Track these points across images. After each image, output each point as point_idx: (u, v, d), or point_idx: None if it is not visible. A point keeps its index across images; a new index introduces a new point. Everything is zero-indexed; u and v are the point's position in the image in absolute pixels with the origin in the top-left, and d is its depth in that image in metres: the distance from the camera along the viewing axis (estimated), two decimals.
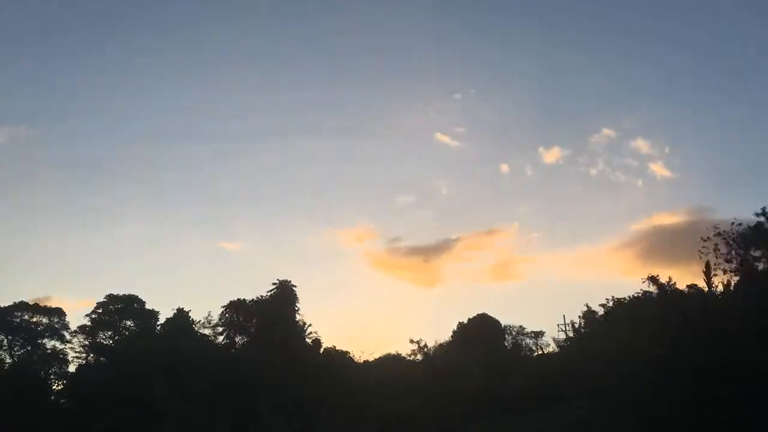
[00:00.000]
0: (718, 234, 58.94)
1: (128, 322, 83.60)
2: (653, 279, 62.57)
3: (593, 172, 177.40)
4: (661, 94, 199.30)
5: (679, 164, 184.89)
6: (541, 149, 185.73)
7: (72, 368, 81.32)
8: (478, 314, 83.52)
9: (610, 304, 67.73)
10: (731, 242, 57.65)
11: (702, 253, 59.35)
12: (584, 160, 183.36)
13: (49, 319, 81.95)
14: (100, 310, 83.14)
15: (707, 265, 60.29)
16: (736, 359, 47.82)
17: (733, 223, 59.55)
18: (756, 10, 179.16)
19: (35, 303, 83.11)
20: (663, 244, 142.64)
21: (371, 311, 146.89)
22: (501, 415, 63.34)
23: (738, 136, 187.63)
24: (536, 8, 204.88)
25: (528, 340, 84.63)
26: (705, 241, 59.45)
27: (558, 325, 77.56)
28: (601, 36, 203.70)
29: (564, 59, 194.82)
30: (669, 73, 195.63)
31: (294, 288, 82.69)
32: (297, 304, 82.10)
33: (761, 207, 58.68)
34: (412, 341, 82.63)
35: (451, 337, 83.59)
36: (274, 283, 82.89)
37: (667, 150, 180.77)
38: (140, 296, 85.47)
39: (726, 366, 48.06)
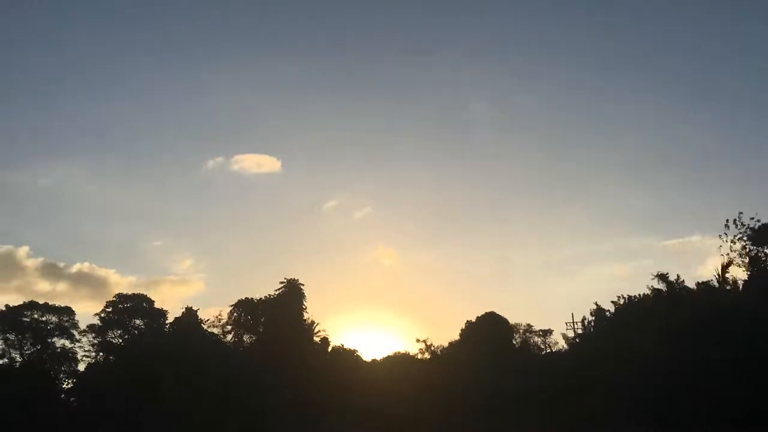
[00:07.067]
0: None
1: (137, 321, 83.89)
2: (662, 276, 62.41)
3: None
4: None
5: None
6: None
7: (81, 367, 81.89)
8: (486, 312, 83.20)
9: (621, 301, 67.61)
10: (746, 238, 57.23)
11: (721, 244, 58.61)
12: None
13: (59, 318, 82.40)
14: (110, 309, 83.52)
15: (723, 265, 59.92)
16: (747, 356, 47.54)
17: (752, 218, 58.99)
18: None
19: (45, 302, 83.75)
20: None
21: None
22: (510, 414, 63.11)
23: None
24: None
25: (536, 338, 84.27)
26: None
27: (566, 323, 77.28)
28: None
29: None
30: None
31: (301, 287, 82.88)
32: (304, 303, 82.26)
33: None
34: (419, 340, 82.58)
35: (459, 335, 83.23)
36: (281, 282, 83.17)
37: None
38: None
39: (737, 363, 47.79)
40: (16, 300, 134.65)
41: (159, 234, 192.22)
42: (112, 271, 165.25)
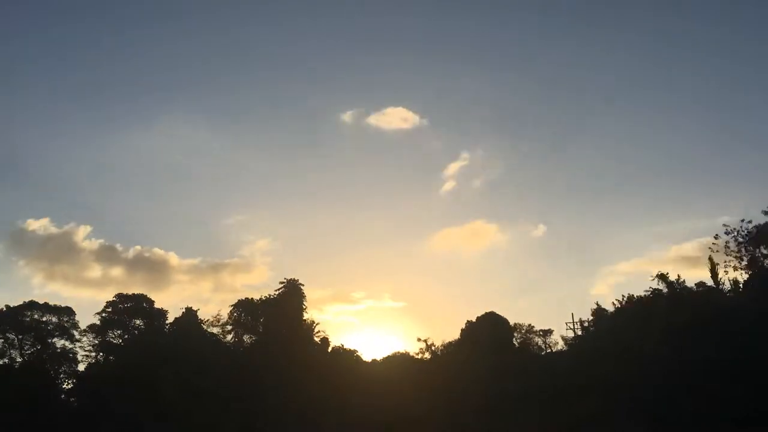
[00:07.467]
0: (728, 232, 58.78)
1: (137, 321, 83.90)
2: (663, 277, 62.42)
3: None
4: None
5: None
6: None
7: (81, 367, 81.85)
8: (486, 312, 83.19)
9: (621, 302, 67.60)
10: (741, 240, 57.53)
11: (712, 250, 59.28)
12: None
13: (59, 318, 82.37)
14: (110, 309, 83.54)
15: (712, 262, 60.15)
16: (747, 356, 47.48)
17: (743, 221, 59.37)
18: None
19: (45, 302, 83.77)
20: None
21: None
22: (509, 414, 63.01)
23: None
24: None
25: (537, 339, 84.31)
26: (716, 238, 59.33)
27: (566, 323, 77.23)
28: None
29: None
30: None
31: (302, 287, 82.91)
32: (304, 303, 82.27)
33: None
34: (419, 339, 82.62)
35: (460, 335, 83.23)
36: (281, 282, 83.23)
37: None
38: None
39: (737, 363, 47.73)
40: (63, 286, 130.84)
41: (240, 207, 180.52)
42: (172, 253, 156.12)
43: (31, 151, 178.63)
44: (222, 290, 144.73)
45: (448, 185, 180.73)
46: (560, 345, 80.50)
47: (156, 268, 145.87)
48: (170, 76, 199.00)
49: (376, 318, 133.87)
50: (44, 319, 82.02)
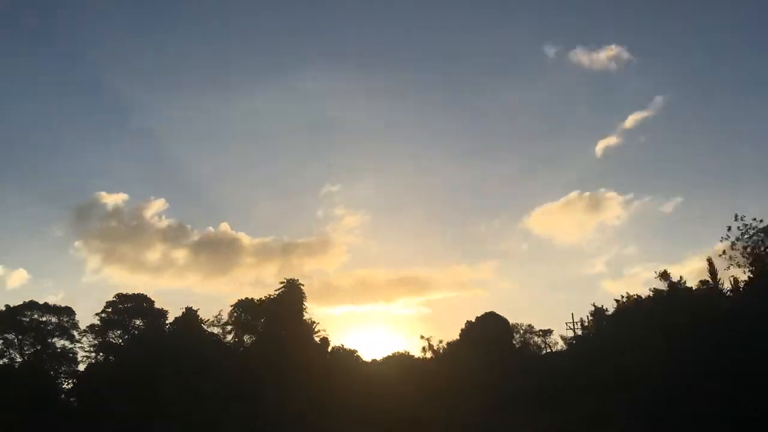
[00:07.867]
0: (733, 229, 58.38)
1: (137, 321, 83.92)
2: (664, 275, 62.31)
3: None
4: None
5: None
6: None
7: (81, 367, 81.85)
8: (486, 313, 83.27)
9: (621, 301, 67.57)
10: (745, 239, 57.24)
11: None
12: None
13: (59, 318, 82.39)
14: (110, 309, 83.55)
15: (710, 262, 59.96)
16: (747, 356, 47.44)
17: (743, 218, 59.02)
18: None
19: (45, 302, 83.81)
20: None
21: None
22: (509, 414, 63.02)
23: None
24: None
25: (536, 339, 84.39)
26: (723, 241, 58.88)
27: (566, 323, 77.25)
28: None
29: None
30: None
31: (302, 287, 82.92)
32: (305, 303, 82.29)
33: None
34: (422, 337, 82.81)
35: (459, 336, 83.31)
36: (282, 282, 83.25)
37: None
38: None
39: (737, 363, 47.69)
40: (118, 270, 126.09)
41: (339, 175, 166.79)
42: (242, 233, 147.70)
43: (130, 124, 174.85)
44: (289, 275, 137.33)
45: (610, 141, 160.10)
46: (560, 345, 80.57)
47: (222, 250, 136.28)
48: (290, 32, 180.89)
49: (446, 308, 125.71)
50: (44, 319, 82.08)
